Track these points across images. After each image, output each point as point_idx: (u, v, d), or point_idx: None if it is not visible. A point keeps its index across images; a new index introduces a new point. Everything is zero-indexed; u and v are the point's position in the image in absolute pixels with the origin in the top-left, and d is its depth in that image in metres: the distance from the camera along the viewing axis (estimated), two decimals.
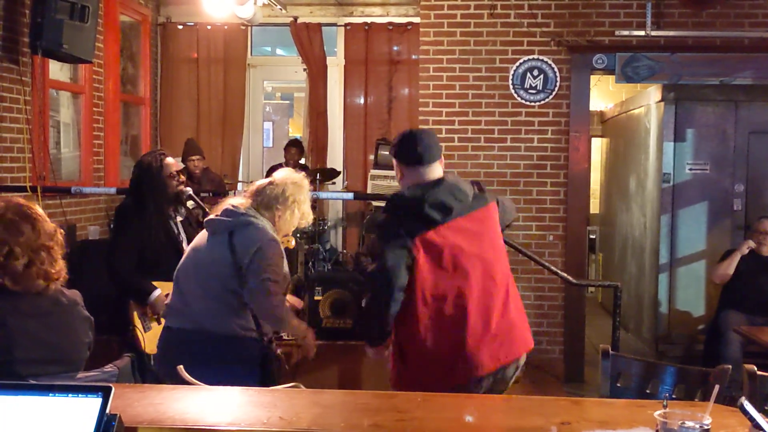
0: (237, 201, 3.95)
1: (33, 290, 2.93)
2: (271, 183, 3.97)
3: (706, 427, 1.95)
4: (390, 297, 3.25)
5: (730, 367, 2.96)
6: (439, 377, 3.31)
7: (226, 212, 3.88)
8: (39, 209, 3.04)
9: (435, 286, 3.32)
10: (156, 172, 4.92)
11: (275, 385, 3.52)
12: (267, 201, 3.90)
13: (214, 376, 3.22)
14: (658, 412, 2.04)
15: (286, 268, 3.93)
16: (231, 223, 3.83)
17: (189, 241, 4.76)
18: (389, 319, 3.32)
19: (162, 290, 4.78)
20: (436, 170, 3.44)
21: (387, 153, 8.74)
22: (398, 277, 3.25)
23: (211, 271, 3.82)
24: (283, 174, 4.04)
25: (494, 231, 3.51)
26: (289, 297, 4.16)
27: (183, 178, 5.10)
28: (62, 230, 3.13)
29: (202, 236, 3.99)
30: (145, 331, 4.86)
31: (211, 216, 3.96)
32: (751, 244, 6.94)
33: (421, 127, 7.51)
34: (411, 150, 3.42)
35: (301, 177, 4.04)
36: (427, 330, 3.32)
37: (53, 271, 2.97)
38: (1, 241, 2.89)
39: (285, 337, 6.52)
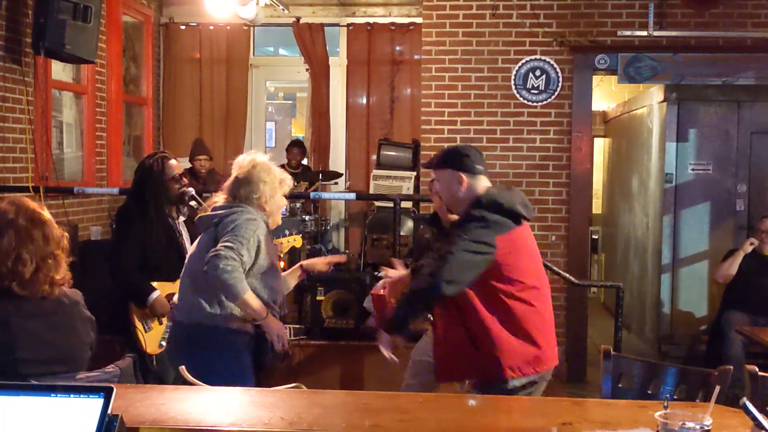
0: (220, 198, 4.04)
1: (38, 295, 2.93)
2: (236, 178, 4.01)
3: (706, 428, 1.95)
4: (457, 279, 3.40)
5: (732, 367, 2.96)
6: (530, 361, 3.51)
7: (215, 207, 3.97)
8: (47, 213, 3.05)
9: (523, 276, 3.54)
10: (157, 175, 4.91)
11: (271, 374, 3.58)
12: (245, 194, 3.95)
13: (209, 366, 3.27)
14: (658, 413, 2.05)
15: (270, 251, 3.96)
16: (218, 216, 3.91)
17: (192, 241, 4.77)
18: (440, 300, 3.51)
19: (163, 291, 4.79)
20: (488, 181, 3.74)
21: (389, 153, 8.76)
22: (474, 268, 3.44)
23: (197, 264, 3.86)
24: (241, 163, 4.07)
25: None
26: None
27: (186, 180, 5.10)
28: (66, 234, 3.14)
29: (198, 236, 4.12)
30: (145, 332, 4.86)
31: (200, 213, 4.08)
32: (754, 241, 6.94)
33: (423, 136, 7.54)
34: (477, 161, 3.70)
35: (254, 157, 4.07)
36: (515, 316, 3.51)
37: (58, 277, 2.98)
38: (11, 248, 2.89)
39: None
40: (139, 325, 4.85)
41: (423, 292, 3.50)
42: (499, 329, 3.48)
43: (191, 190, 5.07)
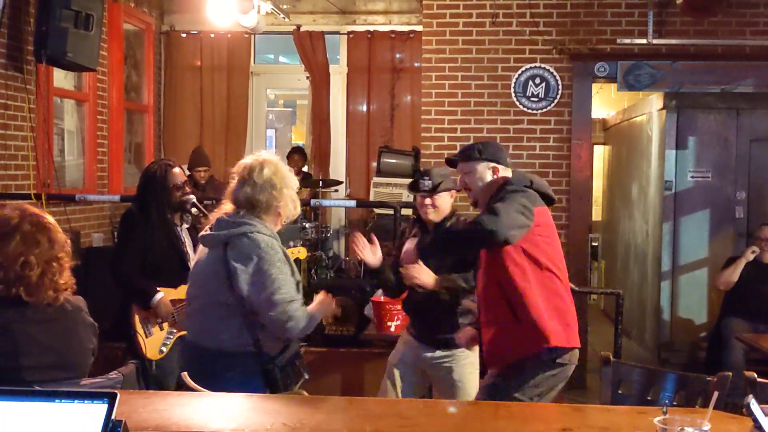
0: (229, 208, 3.70)
1: (44, 301, 2.95)
2: (252, 184, 3.62)
3: None
4: (510, 225, 3.49)
5: (731, 374, 2.98)
6: (563, 333, 3.66)
7: (219, 223, 3.65)
8: (51, 218, 3.07)
9: (553, 252, 3.72)
10: (160, 182, 4.95)
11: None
12: (265, 204, 3.61)
13: (225, 388, 3.19)
14: (657, 419, 2.06)
15: (292, 265, 3.65)
16: (224, 236, 3.58)
17: (195, 248, 4.79)
18: (488, 242, 3.56)
19: (166, 296, 4.81)
20: None
21: (390, 160, 8.79)
22: (520, 226, 3.55)
23: (206, 285, 3.64)
24: (251, 167, 3.66)
25: None
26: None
27: (188, 189, 5.12)
28: (69, 241, 3.17)
29: (202, 251, 3.78)
30: (146, 337, 4.87)
31: (205, 231, 3.74)
32: (756, 249, 6.96)
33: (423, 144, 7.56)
34: (505, 152, 3.95)
35: (270, 160, 3.69)
36: (550, 290, 3.66)
37: (62, 281, 3.00)
38: (18, 252, 2.91)
39: None
40: (140, 330, 4.86)
41: (475, 230, 3.54)
42: (537, 299, 3.59)
43: (192, 198, 5.10)
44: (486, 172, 3.83)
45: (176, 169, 5.04)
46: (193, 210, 5.15)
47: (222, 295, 3.53)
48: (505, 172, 3.83)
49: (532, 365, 3.57)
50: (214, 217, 3.75)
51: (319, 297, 3.81)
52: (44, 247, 2.96)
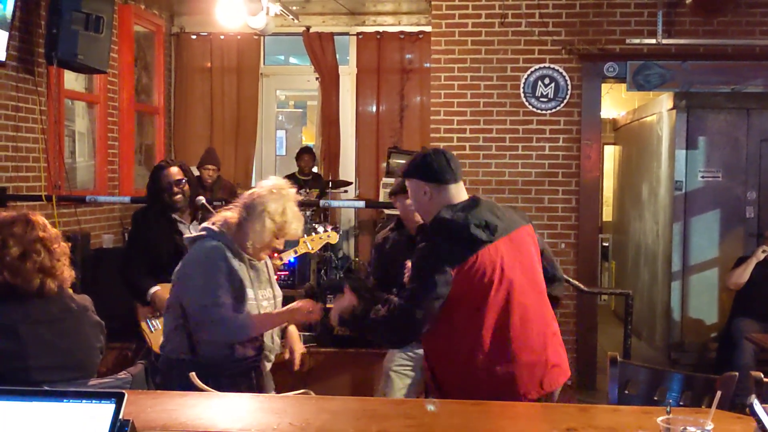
0: (228, 213, 3.77)
1: (33, 286, 2.98)
2: (251, 194, 3.73)
3: None
4: (426, 317, 3.13)
5: (737, 374, 2.98)
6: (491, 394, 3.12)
7: (200, 229, 3.80)
8: (41, 218, 3.12)
9: (481, 304, 3.18)
10: (154, 181, 5.07)
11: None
12: (245, 213, 3.68)
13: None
14: (660, 418, 2.07)
15: (241, 272, 3.67)
16: (188, 241, 3.78)
17: None
18: (420, 332, 3.22)
19: (166, 292, 4.86)
20: (463, 190, 3.36)
21: (399, 161, 8.79)
22: (437, 301, 3.11)
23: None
24: (262, 184, 3.78)
25: (533, 250, 3.43)
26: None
27: (186, 187, 5.13)
28: (66, 239, 3.21)
29: None
30: (151, 332, 4.95)
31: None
32: (766, 249, 6.94)
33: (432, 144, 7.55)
34: (444, 170, 3.29)
35: (278, 185, 3.74)
36: (477, 345, 3.19)
37: (51, 266, 3.02)
38: None
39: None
40: (143, 326, 4.95)
41: (391, 324, 3.17)
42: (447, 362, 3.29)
43: (201, 199, 5.14)
44: (417, 191, 3.35)
45: (172, 168, 5.10)
46: (200, 211, 5.19)
47: (172, 299, 3.73)
48: (440, 191, 3.29)
49: None
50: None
51: (295, 303, 3.77)
52: (22, 228, 3.02)
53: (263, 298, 3.78)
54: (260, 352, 3.77)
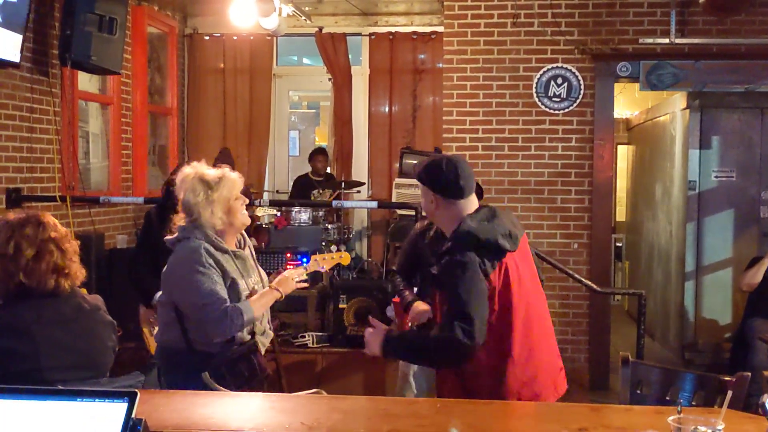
0: (179, 219, 3.83)
1: (48, 287, 3.00)
2: (182, 195, 3.78)
3: None
4: (479, 330, 3.09)
5: (749, 374, 2.97)
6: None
7: (177, 230, 3.82)
8: (51, 217, 3.14)
9: (508, 312, 3.23)
10: (170, 182, 5.07)
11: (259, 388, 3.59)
12: (197, 213, 3.72)
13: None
14: (671, 418, 2.07)
15: (226, 269, 3.72)
16: (171, 242, 3.79)
17: None
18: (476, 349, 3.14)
19: None
20: (473, 201, 3.37)
21: (412, 162, 8.79)
22: (485, 309, 3.14)
23: (163, 287, 3.83)
24: (182, 178, 3.81)
25: (531, 257, 3.52)
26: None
27: None
28: (81, 239, 3.23)
29: None
30: (151, 335, 4.98)
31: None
32: None
33: (447, 153, 7.53)
34: (450, 183, 3.29)
35: (185, 173, 3.80)
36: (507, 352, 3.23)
37: (64, 265, 3.04)
38: (8, 238, 3.00)
39: (310, 345, 6.59)
40: (145, 329, 4.98)
41: (446, 344, 3.09)
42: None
43: None
44: (426, 198, 3.36)
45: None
46: None
47: (164, 297, 3.77)
48: (448, 204, 3.30)
49: None
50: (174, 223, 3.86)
51: (281, 275, 3.91)
52: (34, 230, 3.03)
53: (253, 283, 3.85)
54: (254, 335, 3.84)
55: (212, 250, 3.67)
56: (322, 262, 5.25)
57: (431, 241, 4.42)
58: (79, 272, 3.11)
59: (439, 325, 3.20)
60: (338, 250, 5.73)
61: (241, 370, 3.66)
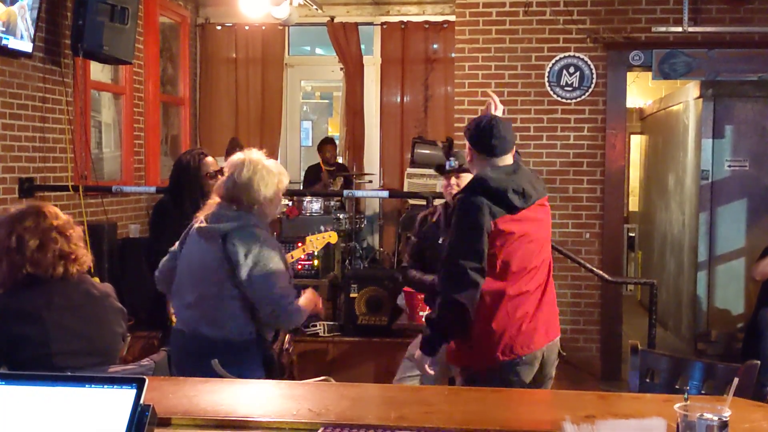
0: (218, 201, 3.77)
1: (57, 274, 3.02)
2: (235, 182, 3.70)
3: (724, 419, 1.96)
4: (479, 274, 3.37)
5: (758, 362, 2.96)
6: (506, 347, 3.49)
7: (217, 216, 3.70)
8: (51, 207, 3.16)
9: (508, 263, 3.49)
10: (194, 171, 5.02)
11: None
12: (248, 201, 3.68)
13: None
14: (678, 405, 2.06)
15: (285, 261, 3.74)
16: (224, 229, 3.64)
17: None
18: (476, 298, 3.41)
19: None
20: (507, 159, 3.61)
21: (423, 151, 8.79)
22: (484, 253, 3.39)
23: (208, 277, 3.67)
24: (236, 164, 3.75)
25: (549, 220, 3.77)
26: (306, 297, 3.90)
27: (220, 177, 5.16)
28: (79, 225, 3.25)
29: (194, 242, 3.78)
30: None
31: (200, 223, 3.75)
32: None
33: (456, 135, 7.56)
34: (487, 140, 3.56)
35: (250, 158, 3.74)
36: (498, 303, 3.48)
37: (70, 251, 3.06)
38: (9, 232, 3.03)
39: (321, 334, 6.61)
40: (174, 319, 4.93)
41: (446, 315, 3.40)
42: (486, 316, 3.47)
43: None
44: (468, 152, 3.67)
45: (209, 158, 5.10)
46: None
47: (226, 287, 3.62)
48: (481, 159, 3.58)
49: (485, 378, 3.46)
50: (206, 210, 3.78)
51: (307, 293, 3.88)
52: (35, 221, 3.05)
53: None
54: None
55: (275, 240, 3.75)
56: (316, 242, 5.31)
57: (433, 225, 4.55)
58: (86, 257, 3.13)
59: (442, 260, 3.47)
60: (324, 230, 5.79)
61: (282, 359, 3.77)
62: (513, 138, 3.66)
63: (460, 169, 4.41)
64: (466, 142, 3.66)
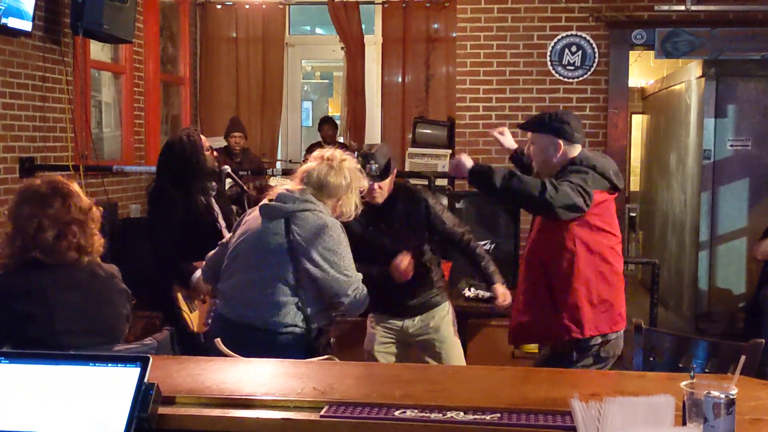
0: (292, 186, 3.67)
1: (66, 262, 3.01)
2: (330, 169, 3.63)
3: (731, 397, 1.95)
4: (583, 201, 3.50)
5: (763, 341, 2.96)
6: (602, 320, 3.70)
7: (282, 197, 3.60)
8: (75, 186, 3.12)
9: (608, 239, 3.69)
10: (192, 149, 4.87)
11: None
12: (330, 189, 3.61)
13: None
14: (684, 383, 2.06)
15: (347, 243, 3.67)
16: (289, 210, 3.55)
17: (223, 216, 4.83)
18: (541, 207, 3.55)
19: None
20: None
21: (425, 131, 8.77)
22: (578, 202, 3.51)
23: (268, 259, 3.56)
24: (342, 159, 3.69)
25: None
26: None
27: (215, 153, 5.11)
28: (100, 207, 3.21)
29: (255, 221, 3.67)
30: (191, 312, 4.89)
31: (266, 201, 3.66)
32: None
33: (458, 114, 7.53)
34: (577, 130, 3.73)
35: (351, 159, 3.74)
36: (596, 277, 3.64)
37: (86, 244, 3.05)
38: (32, 214, 2.98)
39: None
40: (184, 307, 4.86)
41: (535, 191, 3.49)
42: (580, 287, 3.58)
43: (227, 168, 5.12)
44: (549, 146, 3.71)
45: (201, 135, 5.02)
46: (228, 180, 5.16)
47: (282, 271, 3.53)
48: (571, 149, 3.70)
49: (569, 353, 3.61)
50: (275, 191, 3.70)
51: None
52: (58, 209, 3.01)
53: None
54: None
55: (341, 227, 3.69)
56: None
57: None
58: (99, 246, 3.12)
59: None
60: None
61: (324, 348, 3.70)
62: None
63: (384, 175, 4.24)
64: (549, 140, 3.71)
